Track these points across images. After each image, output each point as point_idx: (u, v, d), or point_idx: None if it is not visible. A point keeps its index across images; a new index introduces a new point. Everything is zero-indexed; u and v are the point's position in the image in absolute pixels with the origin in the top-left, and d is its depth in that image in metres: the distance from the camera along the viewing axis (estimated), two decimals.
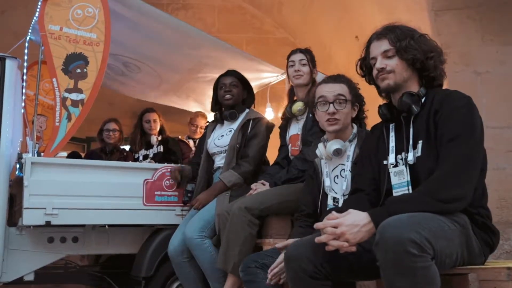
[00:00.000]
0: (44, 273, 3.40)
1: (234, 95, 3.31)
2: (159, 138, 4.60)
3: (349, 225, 1.64)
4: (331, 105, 2.32)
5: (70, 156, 3.98)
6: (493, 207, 1.94)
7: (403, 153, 1.91)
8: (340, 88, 2.37)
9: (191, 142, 4.92)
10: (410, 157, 1.87)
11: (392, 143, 1.97)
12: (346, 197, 2.35)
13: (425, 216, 1.58)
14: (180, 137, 5.06)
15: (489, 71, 3.97)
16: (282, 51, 6.78)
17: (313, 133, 2.90)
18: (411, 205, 1.64)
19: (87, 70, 3.34)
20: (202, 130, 5.00)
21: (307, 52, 3.15)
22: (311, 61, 3.12)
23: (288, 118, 3.17)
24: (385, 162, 1.99)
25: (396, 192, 1.91)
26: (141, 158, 4.54)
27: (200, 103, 5.12)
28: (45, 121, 4.91)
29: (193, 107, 5.32)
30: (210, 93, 4.01)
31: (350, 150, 2.39)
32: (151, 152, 4.53)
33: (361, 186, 2.06)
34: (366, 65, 2.09)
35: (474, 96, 4.00)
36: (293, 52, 3.17)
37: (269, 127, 3.36)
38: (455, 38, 3.99)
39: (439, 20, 3.98)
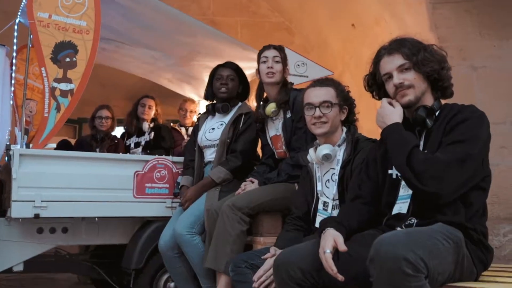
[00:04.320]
0: (34, 262, 3.39)
1: (229, 89, 3.25)
2: (151, 125, 4.54)
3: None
4: (317, 109, 2.35)
5: (59, 145, 3.91)
6: None
7: None
8: (326, 93, 2.39)
9: (183, 130, 4.87)
10: None
11: None
12: (336, 201, 2.35)
13: (421, 234, 1.58)
14: (172, 124, 5.01)
15: (486, 66, 3.92)
16: (277, 35, 6.72)
17: (298, 139, 2.87)
18: (395, 151, 1.81)
19: (76, 59, 3.27)
20: (192, 115, 4.97)
21: (280, 49, 3.05)
22: (284, 59, 3.03)
23: (262, 119, 3.09)
24: (390, 171, 1.98)
25: (398, 203, 1.91)
26: (132, 145, 4.49)
27: (195, 88, 5.05)
28: (35, 105, 4.85)
29: (187, 91, 5.25)
30: (205, 78, 3.95)
31: (340, 154, 2.38)
32: (142, 140, 4.48)
33: (361, 193, 2.04)
34: (375, 81, 2.06)
35: (470, 91, 4.01)
36: (266, 48, 3.06)
37: None
38: (452, 32, 3.93)
39: (436, 13, 3.91)
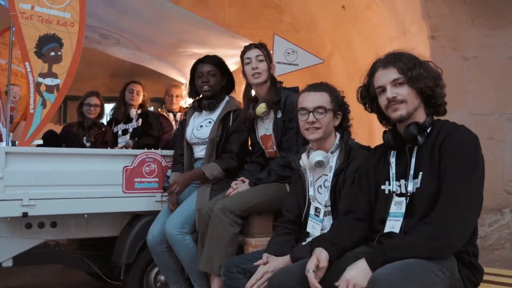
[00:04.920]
0: (23, 255, 3.36)
1: (212, 86, 3.17)
2: (139, 111, 4.47)
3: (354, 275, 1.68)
4: (311, 114, 2.32)
5: (45, 136, 3.82)
6: None
7: (402, 180, 1.91)
8: (321, 98, 2.36)
9: (171, 116, 4.81)
10: (410, 187, 1.86)
11: (393, 170, 1.95)
12: (328, 208, 2.35)
13: (416, 268, 1.58)
14: (160, 110, 4.94)
15: (477, 57, 3.91)
16: (266, 13, 6.59)
17: (288, 139, 2.85)
18: (406, 250, 1.65)
19: (61, 53, 3.17)
20: (178, 100, 4.91)
21: (262, 46, 2.99)
22: (268, 56, 2.97)
23: (252, 119, 3.05)
24: (383, 187, 1.98)
25: (389, 220, 1.90)
26: (120, 132, 4.43)
27: (182, 72, 4.97)
28: (19, 90, 4.75)
29: (174, 74, 5.17)
30: (191, 65, 3.87)
31: (332, 161, 2.37)
32: (130, 127, 4.41)
33: (354, 208, 2.04)
34: (368, 93, 2.04)
35: (461, 82, 4.00)
36: (247, 48, 3.01)
37: None
38: (444, 21, 3.89)
39: (429, 1, 3.86)
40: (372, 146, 2.27)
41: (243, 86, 3.19)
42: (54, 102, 3.15)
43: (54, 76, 3.16)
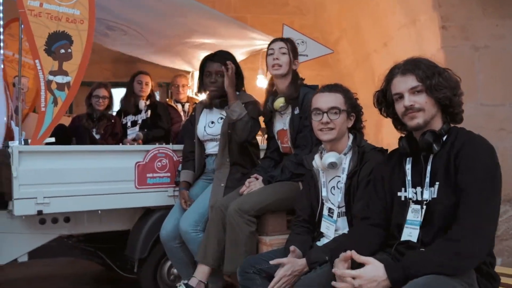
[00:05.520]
0: (37, 249, 3.41)
1: (219, 87, 3.11)
2: (147, 102, 4.46)
3: (369, 279, 1.68)
4: (325, 114, 2.33)
5: (55, 130, 3.83)
6: None
7: (418, 188, 1.91)
8: (335, 99, 2.37)
9: (179, 107, 4.80)
10: (426, 195, 1.86)
11: (408, 177, 1.95)
12: (342, 209, 2.36)
13: (440, 284, 1.60)
14: (168, 100, 4.93)
15: (488, 46, 3.88)
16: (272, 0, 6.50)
17: (303, 136, 2.85)
18: (428, 268, 1.66)
19: (71, 51, 3.15)
20: (185, 89, 4.88)
21: (288, 41, 2.99)
22: (292, 51, 2.96)
23: (270, 112, 3.06)
24: (399, 193, 1.98)
25: (406, 228, 1.91)
26: (129, 124, 4.43)
27: (189, 63, 4.95)
28: (27, 81, 4.73)
29: (181, 66, 5.16)
30: (199, 56, 3.86)
31: (345, 162, 2.38)
32: (139, 118, 4.41)
33: (371, 215, 2.05)
34: (385, 99, 2.02)
35: (471, 72, 3.98)
36: (273, 41, 3.02)
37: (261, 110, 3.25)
38: (455, 11, 3.85)
39: None
40: (380, 138, 2.28)
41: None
42: (65, 100, 3.14)
43: (65, 73, 3.14)
